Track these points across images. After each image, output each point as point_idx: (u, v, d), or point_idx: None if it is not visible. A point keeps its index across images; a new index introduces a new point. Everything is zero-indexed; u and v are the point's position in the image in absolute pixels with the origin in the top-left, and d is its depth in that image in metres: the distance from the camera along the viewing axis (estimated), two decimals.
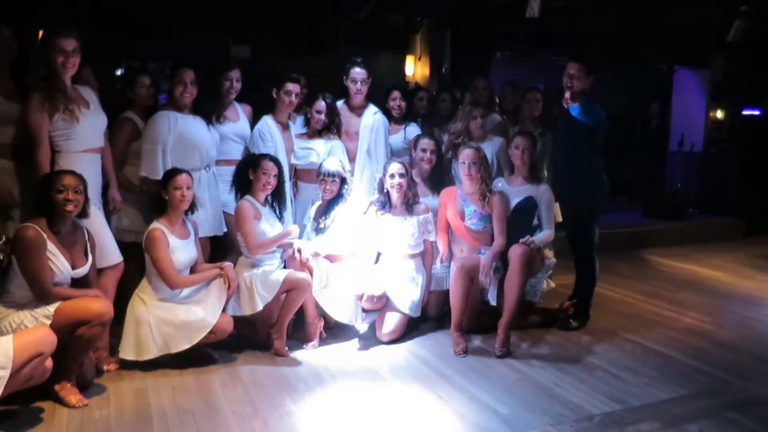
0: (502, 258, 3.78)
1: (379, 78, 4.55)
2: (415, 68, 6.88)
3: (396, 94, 4.50)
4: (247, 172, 3.61)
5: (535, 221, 3.94)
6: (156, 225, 3.30)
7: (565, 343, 3.85)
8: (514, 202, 3.92)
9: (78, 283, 2.95)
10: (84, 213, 2.93)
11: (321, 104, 4.09)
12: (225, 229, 3.85)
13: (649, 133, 9.10)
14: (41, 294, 2.78)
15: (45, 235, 2.77)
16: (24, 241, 2.72)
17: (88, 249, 2.99)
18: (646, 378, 3.34)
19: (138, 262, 3.60)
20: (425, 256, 4.02)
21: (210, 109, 3.79)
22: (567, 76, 4.00)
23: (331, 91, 4.61)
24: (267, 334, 3.55)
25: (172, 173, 3.34)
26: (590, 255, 4.14)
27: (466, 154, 3.87)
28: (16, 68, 3.21)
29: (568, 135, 3.99)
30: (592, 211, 4.03)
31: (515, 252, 3.64)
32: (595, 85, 4.07)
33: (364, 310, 3.80)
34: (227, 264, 3.40)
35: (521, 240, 3.67)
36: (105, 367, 3.23)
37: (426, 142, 4.16)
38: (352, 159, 4.19)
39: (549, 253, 4.04)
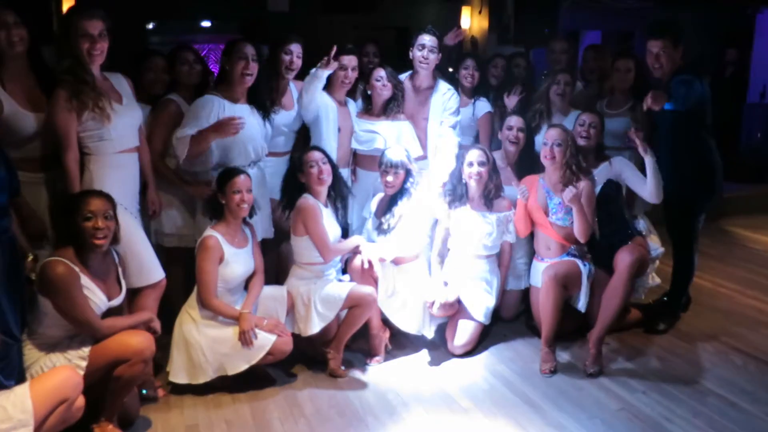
0: (597, 261, 3.27)
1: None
2: (471, 21, 6.19)
3: (470, 62, 3.92)
4: (296, 177, 3.14)
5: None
6: (211, 233, 2.89)
7: (664, 355, 3.37)
8: (596, 191, 3.36)
9: (110, 314, 2.57)
10: (115, 239, 2.52)
11: (380, 72, 3.53)
12: (273, 231, 3.40)
13: (724, 82, 8.21)
14: (91, 333, 2.43)
15: (77, 269, 2.38)
16: (55, 279, 2.32)
17: (120, 275, 2.61)
18: None
19: (182, 269, 3.23)
20: (502, 255, 3.53)
21: (265, 95, 3.26)
22: (652, 57, 3.38)
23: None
24: (321, 352, 3.16)
25: (229, 174, 2.90)
26: (692, 247, 3.62)
27: (550, 133, 3.31)
28: (36, 62, 2.73)
29: (670, 117, 3.38)
30: (705, 200, 3.49)
31: (624, 260, 3.13)
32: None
33: (432, 316, 3.37)
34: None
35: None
36: (153, 393, 2.89)
37: (514, 119, 3.60)
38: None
39: (655, 240, 3.52)
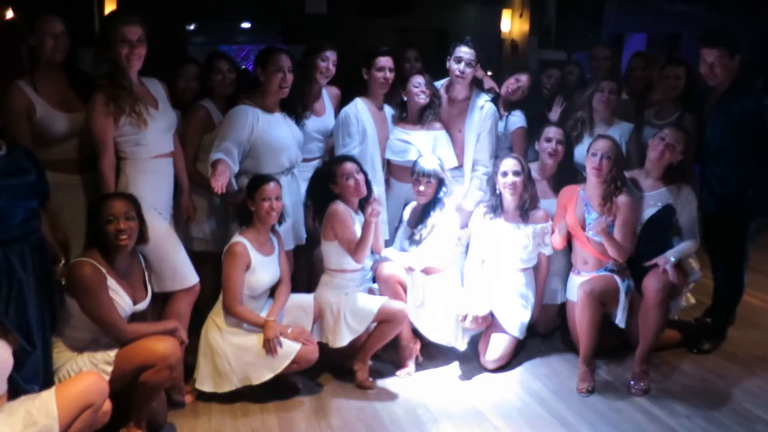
0: (635, 279, 3.14)
1: (469, 33, 3.77)
2: (512, 24, 6.06)
3: (525, 79, 3.77)
4: (326, 187, 3.07)
5: None
6: (239, 239, 2.87)
7: (708, 377, 3.21)
8: (648, 212, 3.20)
9: (135, 319, 2.57)
10: (142, 239, 2.51)
11: (418, 78, 3.44)
12: (305, 237, 3.35)
13: None
14: (115, 336, 2.43)
15: (104, 270, 2.38)
16: (82, 280, 2.34)
17: (146, 279, 2.60)
18: None
19: (210, 274, 3.21)
20: (538, 268, 3.41)
21: (297, 101, 3.22)
22: (706, 66, 3.21)
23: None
24: (348, 364, 3.10)
25: (259, 181, 2.88)
26: (742, 263, 3.44)
27: (600, 144, 3.16)
28: (71, 67, 2.76)
29: (723, 128, 3.21)
30: (754, 217, 3.32)
31: (651, 287, 3.00)
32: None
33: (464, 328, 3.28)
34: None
35: (655, 261, 2.98)
36: (180, 398, 2.88)
37: (553, 131, 3.44)
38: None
39: (694, 264, 3.34)
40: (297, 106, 3.22)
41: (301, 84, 3.28)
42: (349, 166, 3.05)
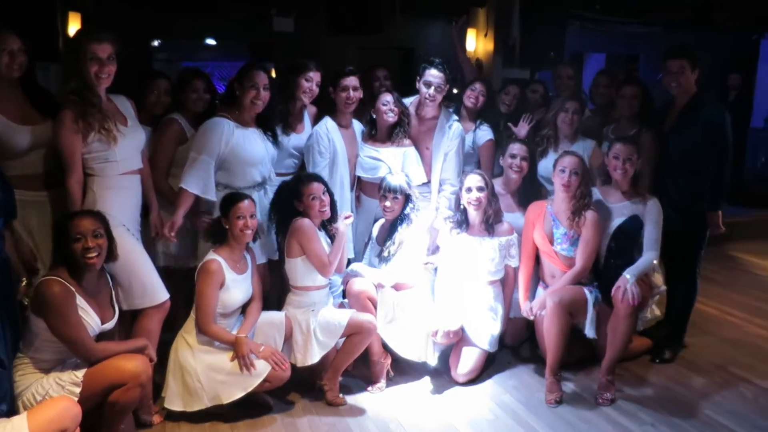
0: (602, 291, 3.22)
1: (435, 52, 3.85)
2: (476, 43, 6.18)
3: (479, 85, 3.84)
4: (291, 203, 3.05)
5: None
6: (214, 256, 2.84)
7: (672, 386, 3.29)
8: (616, 222, 3.29)
9: (102, 338, 2.51)
10: (111, 256, 2.48)
11: (387, 96, 3.47)
12: (276, 253, 3.32)
13: (727, 107, 8.19)
14: (84, 355, 2.38)
15: (72, 288, 2.34)
16: (50, 298, 2.28)
17: (113, 298, 2.57)
18: None
19: (179, 290, 3.17)
20: (506, 281, 3.47)
21: (278, 118, 3.25)
22: (671, 77, 3.40)
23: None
24: (318, 383, 3.08)
25: (233, 199, 2.86)
26: (695, 271, 3.57)
27: (567, 160, 3.24)
28: (28, 82, 2.73)
29: (687, 139, 3.38)
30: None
31: (620, 298, 3.07)
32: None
33: (434, 342, 3.30)
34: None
35: (621, 296, 3.02)
36: (149, 419, 2.82)
37: (518, 147, 3.54)
38: None
39: (658, 279, 3.43)
40: (275, 124, 3.24)
41: (285, 102, 3.31)
42: (316, 186, 3.03)
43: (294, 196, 3.05)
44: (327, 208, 3.05)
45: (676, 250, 3.51)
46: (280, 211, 3.10)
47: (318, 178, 3.11)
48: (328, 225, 3.17)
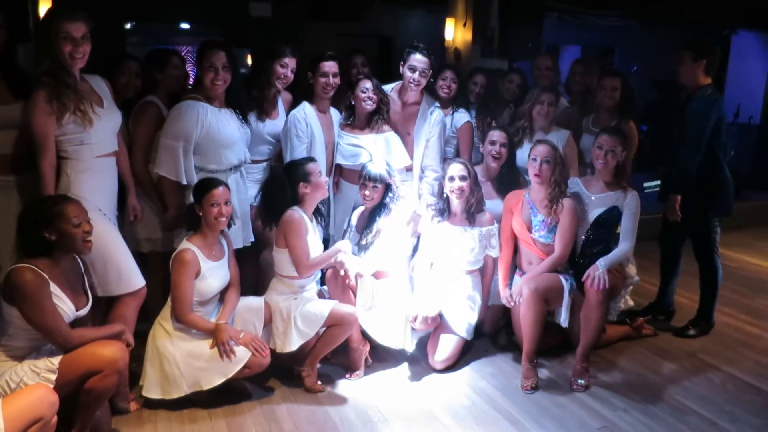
0: (577, 279, 3.26)
1: (413, 41, 3.82)
2: (455, 32, 6.18)
3: (449, 73, 3.86)
4: (292, 189, 3.02)
5: None
6: (188, 245, 2.79)
7: (644, 372, 3.37)
8: (595, 212, 3.34)
9: (76, 325, 2.46)
10: None
11: (366, 83, 3.45)
12: (252, 239, 3.32)
13: None
14: (61, 343, 2.33)
15: (45, 275, 2.28)
16: (23, 286, 2.22)
17: (86, 285, 2.52)
18: (749, 428, 2.87)
19: (156, 275, 3.13)
20: (485, 270, 3.50)
21: (250, 102, 3.22)
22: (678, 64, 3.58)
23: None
24: (297, 370, 3.07)
25: (207, 186, 2.81)
26: (712, 252, 3.80)
27: (539, 149, 3.28)
28: (8, 60, 2.65)
29: (680, 127, 3.55)
30: (715, 213, 3.68)
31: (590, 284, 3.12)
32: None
33: (413, 329, 3.32)
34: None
35: (591, 283, 3.10)
36: (125, 406, 2.79)
37: (497, 134, 3.55)
38: None
39: (632, 270, 3.51)
40: (252, 109, 3.21)
41: (260, 88, 3.27)
42: (317, 165, 3.09)
43: (300, 179, 3.02)
44: (326, 193, 3.13)
45: (691, 232, 3.72)
46: (274, 200, 3.06)
47: (313, 159, 3.15)
48: (320, 217, 3.22)
